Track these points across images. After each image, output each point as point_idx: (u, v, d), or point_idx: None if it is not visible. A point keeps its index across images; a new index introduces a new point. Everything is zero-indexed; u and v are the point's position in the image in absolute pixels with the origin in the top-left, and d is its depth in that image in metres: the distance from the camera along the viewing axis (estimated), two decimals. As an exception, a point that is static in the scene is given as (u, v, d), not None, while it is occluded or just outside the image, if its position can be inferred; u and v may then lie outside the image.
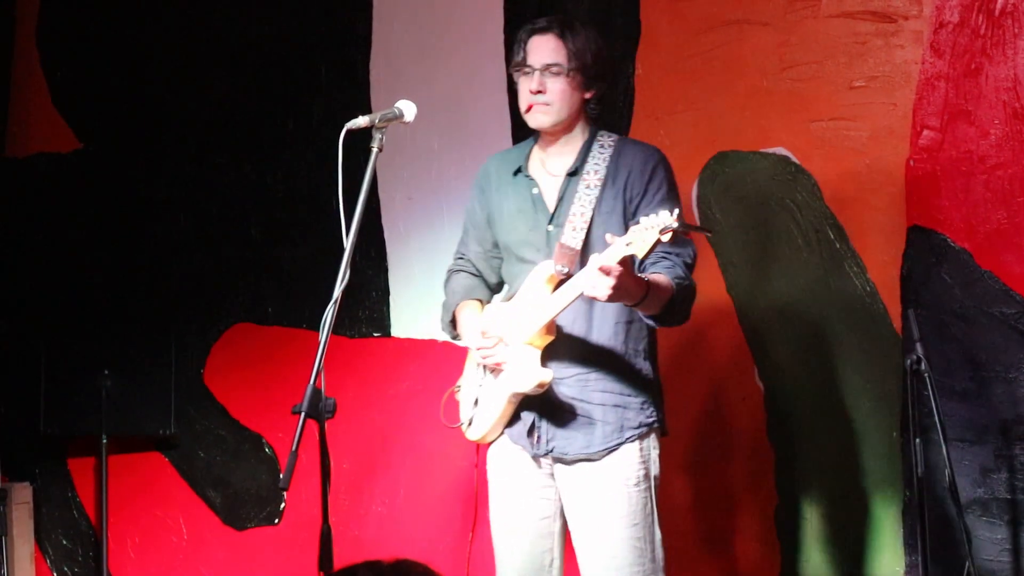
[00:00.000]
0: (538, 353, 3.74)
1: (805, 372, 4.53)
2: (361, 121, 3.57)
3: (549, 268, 3.75)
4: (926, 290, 4.34)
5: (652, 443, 3.82)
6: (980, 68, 4.29)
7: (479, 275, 4.07)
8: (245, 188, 5.55)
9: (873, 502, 4.43)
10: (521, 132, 4.99)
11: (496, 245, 4.00)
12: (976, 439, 4.24)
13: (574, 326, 3.77)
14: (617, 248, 3.44)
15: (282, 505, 5.42)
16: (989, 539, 4.23)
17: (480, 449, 4.04)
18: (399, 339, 5.25)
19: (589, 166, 3.81)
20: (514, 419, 3.85)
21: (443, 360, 5.12)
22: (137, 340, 5.55)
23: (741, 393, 4.63)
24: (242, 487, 5.52)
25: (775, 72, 4.59)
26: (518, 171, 3.92)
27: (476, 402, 3.92)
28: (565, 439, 3.78)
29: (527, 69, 3.79)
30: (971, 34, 4.31)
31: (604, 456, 3.76)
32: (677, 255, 3.69)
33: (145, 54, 5.75)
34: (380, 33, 5.33)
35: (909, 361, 3.97)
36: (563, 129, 3.84)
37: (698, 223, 4.67)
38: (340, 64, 5.39)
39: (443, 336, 5.09)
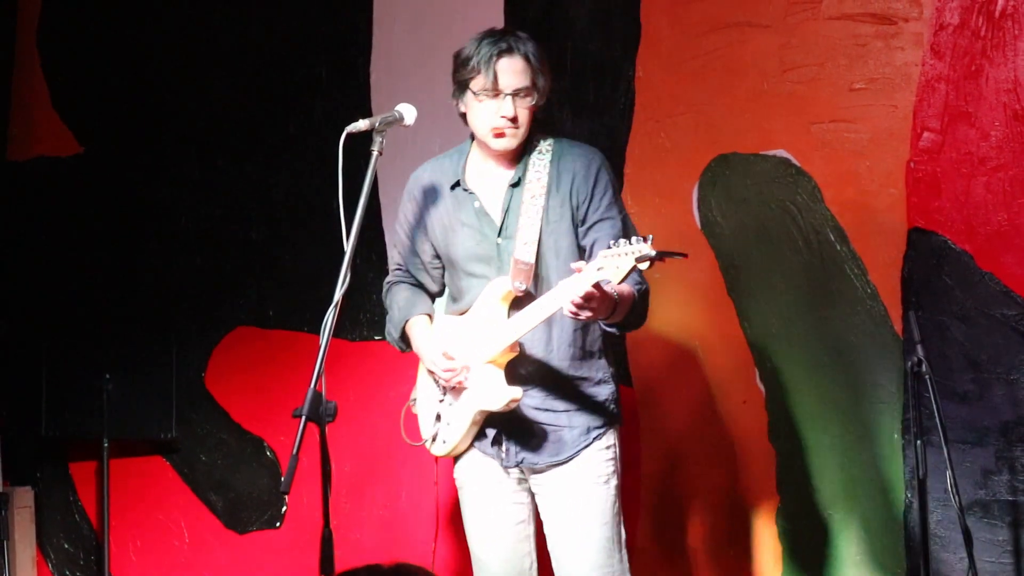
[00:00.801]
0: (501, 371, 3.73)
1: (806, 374, 4.53)
2: (361, 124, 3.58)
3: (506, 285, 3.73)
4: (927, 292, 4.34)
5: (615, 437, 3.86)
6: (980, 70, 4.29)
7: (420, 285, 4.04)
8: (246, 191, 5.55)
9: (874, 504, 4.42)
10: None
11: (437, 256, 3.96)
12: (977, 441, 4.24)
13: (534, 338, 3.76)
14: (589, 275, 3.43)
15: (283, 508, 5.42)
16: (990, 541, 4.23)
17: (439, 464, 4.03)
18: (400, 342, 5.24)
19: (531, 175, 3.78)
20: (481, 433, 3.85)
21: (444, 363, 5.12)
22: (138, 343, 5.55)
23: (742, 395, 4.62)
24: (243, 491, 5.52)
25: (775, 74, 4.59)
26: (456, 184, 3.87)
27: (438, 417, 3.91)
28: (534, 450, 3.80)
29: (494, 94, 3.72)
30: (971, 36, 4.31)
31: (574, 459, 3.79)
32: None
33: (146, 57, 5.75)
34: (381, 36, 5.33)
35: (910, 363, 3.98)
36: (519, 150, 3.82)
37: (699, 226, 4.67)
38: (340, 67, 5.39)
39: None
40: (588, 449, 3.79)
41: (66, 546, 5.81)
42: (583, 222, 3.78)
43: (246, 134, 5.56)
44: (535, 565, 3.92)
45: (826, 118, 4.50)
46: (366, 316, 5.29)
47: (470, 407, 3.78)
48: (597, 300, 3.47)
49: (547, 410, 3.79)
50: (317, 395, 3.33)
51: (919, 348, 3.96)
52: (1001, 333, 4.23)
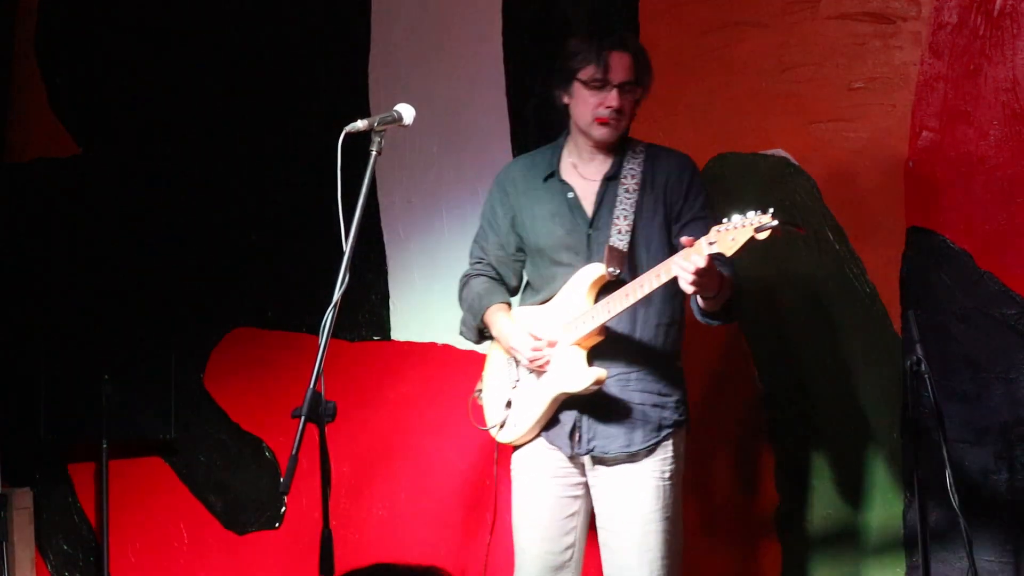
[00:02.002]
0: (585, 353, 3.83)
1: (805, 373, 4.53)
2: (360, 124, 3.57)
3: (599, 270, 3.83)
4: (926, 291, 4.34)
5: (683, 439, 3.97)
6: (979, 69, 4.29)
7: (499, 278, 4.14)
8: (244, 192, 5.55)
9: (874, 503, 4.42)
10: (520, 136, 5.00)
11: (519, 249, 4.07)
12: (976, 440, 4.24)
13: (618, 327, 3.85)
14: (701, 248, 3.55)
15: (283, 509, 5.42)
16: (990, 540, 4.22)
17: (499, 453, 4.07)
18: (399, 342, 5.25)
19: (625, 171, 3.92)
20: (552, 421, 3.91)
21: (443, 363, 5.12)
22: (137, 345, 5.55)
23: (741, 394, 4.62)
24: (242, 491, 5.52)
25: (774, 74, 4.59)
26: (550, 176, 4.00)
27: (508, 404, 3.97)
28: (606, 438, 3.87)
29: (602, 83, 3.86)
30: (970, 35, 4.31)
31: (644, 456, 3.87)
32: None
33: (143, 59, 5.75)
34: (379, 36, 5.33)
35: (909, 362, 3.97)
36: (616, 144, 3.96)
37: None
38: (339, 68, 5.39)
39: (443, 339, 5.11)
40: (658, 448, 3.89)
41: (65, 547, 5.81)
42: (677, 219, 3.91)
43: (244, 134, 5.56)
44: (576, 559, 3.98)
45: (825, 117, 4.50)
46: (365, 316, 5.29)
47: (550, 390, 3.87)
48: (707, 274, 3.58)
49: (625, 400, 3.86)
50: (316, 395, 3.32)
51: (918, 347, 3.95)
52: (1000, 332, 4.23)
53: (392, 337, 5.26)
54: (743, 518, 4.64)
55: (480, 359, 5.04)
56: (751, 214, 3.47)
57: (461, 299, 4.19)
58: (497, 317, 4.03)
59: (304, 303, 5.34)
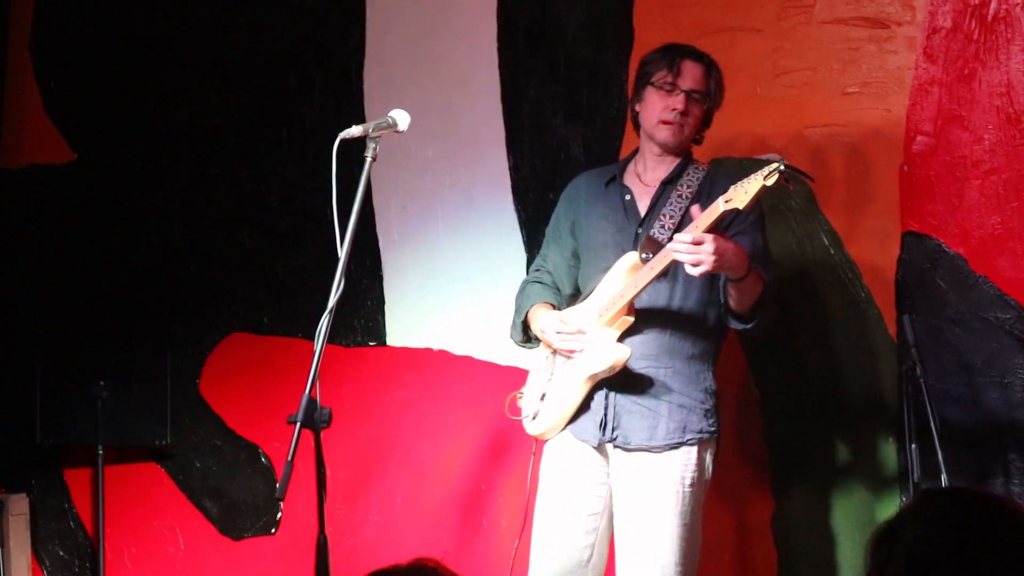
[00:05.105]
0: (616, 334, 3.88)
1: (800, 378, 4.53)
2: (355, 131, 3.57)
3: (633, 257, 3.89)
4: (921, 296, 4.34)
5: (711, 451, 3.96)
6: (973, 73, 4.29)
7: (554, 285, 4.20)
8: (239, 197, 5.54)
9: (870, 508, 4.42)
10: (515, 141, 5.00)
11: (576, 254, 4.14)
12: (971, 444, 4.24)
13: (651, 318, 3.91)
14: (715, 208, 3.61)
15: (278, 515, 5.41)
16: (985, 544, 4.22)
17: (536, 452, 4.09)
18: (394, 348, 5.24)
19: (683, 180, 4.00)
20: (581, 411, 3.95)
21: (438, 369, 5.12)
22: (133, 350, 5.54)
23: (737, 398, 4.62)
24: (238, 497, 5.51)
25: (768, 79, 4.59)
26: (612, 180, 4.09)
27: (543, 397, 4.03)
28: (629, 427, 3.89)
29: (671, 87, 3.96)
30: (964, 39, 4.31)
31: (664, 451, 3.87)
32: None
33: (139, 64, 5.74)
34: (374, 42, 5.33)
35: (904, 367, 3.98)
36: (678, 150, 4.03)
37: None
38: (334, 73, 5.38)
39: (439, 345, 5.11)
40: (680, 449, 3.88)
41: (61, 553, 5.80)
42: (726, 231, 3.90)
43: (240, 140, 5.55)
44: (595, 560, 3.97)
45: (819, 122, 4.51)
46: (360, 322, 5.28)
47: (580, 373, 3.92)
48: (719, 243, 3.61)
49: (651, 393, 3.89)
50: (312, 401, 3.32)
51: (913, 351, 3.96)
52: (995, 336, 4.24)
53: (388, 343, 5.26)
54: (739, 524, 4.64)
55: (476, 365, 5.05)
56: (763, 168, 3.54)
57: (515, 302, 4.26)
58: (537, 312, 4.11)
59: (300, 309, 5.34)
